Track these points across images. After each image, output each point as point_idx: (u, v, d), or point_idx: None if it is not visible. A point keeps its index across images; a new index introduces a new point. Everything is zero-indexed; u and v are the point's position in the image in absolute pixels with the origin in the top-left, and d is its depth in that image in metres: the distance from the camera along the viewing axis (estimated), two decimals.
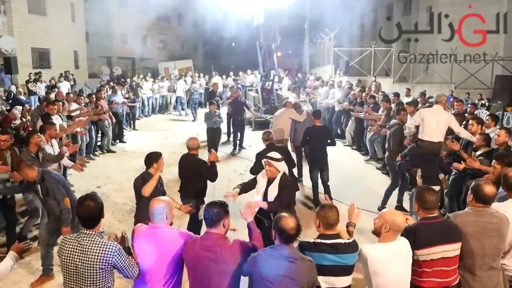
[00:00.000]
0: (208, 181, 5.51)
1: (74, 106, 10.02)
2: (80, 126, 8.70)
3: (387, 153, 7.85)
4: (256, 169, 5.85)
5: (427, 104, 9.87)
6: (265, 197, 4.51)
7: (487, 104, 15.29)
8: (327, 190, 7.41)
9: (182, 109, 19.47)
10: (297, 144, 8.77)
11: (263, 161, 4.57)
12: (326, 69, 23.57)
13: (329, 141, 7.49)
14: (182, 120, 17.68)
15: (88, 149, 10.40)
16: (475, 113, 9.67)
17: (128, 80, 19.17)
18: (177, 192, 5.70)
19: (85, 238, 2.91)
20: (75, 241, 2.94)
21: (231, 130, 12.23)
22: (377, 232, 3.14)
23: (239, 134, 11.83)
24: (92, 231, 2.94)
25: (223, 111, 13.04)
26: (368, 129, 10.14)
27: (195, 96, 17.97)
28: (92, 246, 2.87)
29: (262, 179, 4.62)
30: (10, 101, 13.42)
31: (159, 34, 35.76)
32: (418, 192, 3.36)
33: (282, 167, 4.50)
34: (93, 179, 8.99)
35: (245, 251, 3.02)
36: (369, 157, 10.78)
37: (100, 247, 2.87)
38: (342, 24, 22.38)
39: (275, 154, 4.53)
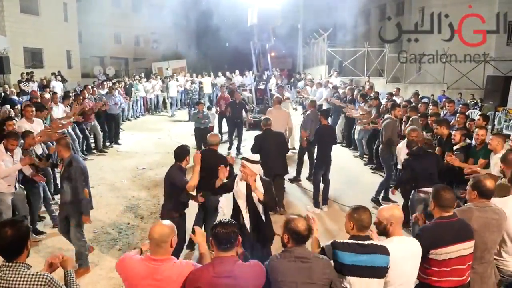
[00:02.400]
0: None
1: (60, 108, 9.82)
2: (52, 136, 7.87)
3: (380, 146, 8.00)
4: (255, 148, 6.80)
5: (420, 104, 9.98)
6: (248, 201, 4.36)
7: (479, 104, 15.43)
8: (327, 188, 7.46)
9: (178, 109, 19.45)
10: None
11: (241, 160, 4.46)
12: (319, 69, 23.66)
13: (334, 140, 7.66)
14: (175, 120, 17.64)
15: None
16: (467, 113, 9.78)
17: (126, 79, 19.10)
18: None
19: (8, 272, 2.44)
20: None
21: (223, 130, 12.15)
22: (385, 232, 3.14)
23: (236, 136, 11.57)
24: (16, 263, 2.47)
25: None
26: (357, 122, 10.52)
27: (194, 96, 17.90)
28: (17, 280, 2.42)
29: (240, 182, 4.43)
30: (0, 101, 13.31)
31: (152, 34, 35.63)
32: (436, 190, 3.36)
33: (257, 169, 4.36)
34: None
35: (265, 273, 2.80)
36: (358, 154, 11.12)
37: (28, 280, 2.43)
38: (335, 25, 22.48)
39: (252, 156, 4.43)
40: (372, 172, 9.78)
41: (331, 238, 5.92)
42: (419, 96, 12.64)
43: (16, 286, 2.42)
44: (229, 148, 11.57)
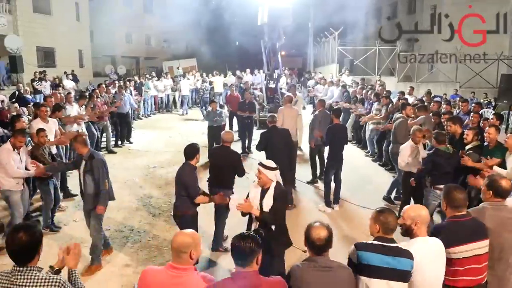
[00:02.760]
0: None
1: (74, 108, 9.77)
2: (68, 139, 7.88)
3: (391, 146, 7.95)
4: (260, 145, 7.06)
5: (432, 104, 9.89)
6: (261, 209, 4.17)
7: (492, 103, 15.25)
8: (339, 188, 7.45)
9: (189, 108, 19.52)
10: (316, 143, 8.43)
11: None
12: (330, 68, 23.57)
13: (345, 139, 7.60)
14: (186, 119, 17.70)
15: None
16: (480, 112, 9.69)
17: (137, 78, 19.25)
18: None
19: (19, 276, 2.38)
20: (7, 280, 2.40)
21: (233, 128, 12.11)
22: (409, 233, 3.08)
23: (247, 136, 11.46)
24: (28, 267, 2.42)
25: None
26: (363, 119, 10.78)
27: (206, 95, 17.94)
28: (29, 285, 2.37)
29: (254, 188, 4.29)
30: (14, 100, 13.50)
31: (163, 33, 35.82)
32: (447, 190, 3.34)
33: (273, 176, 4.16)
34: None
35: None
36: (369, 152, 11.15)
37: (40, 284, 2.38)
38: (346, 23, 22.38)
39: (269, 162, 4.19)
40: (385, 170, 9.77)
41: (343, 238, 5.93)
42: (431, 95, 12.51)
43: None
44: (243, 153, 11.29)
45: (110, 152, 11.25)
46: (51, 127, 7.27)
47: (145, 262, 5.41)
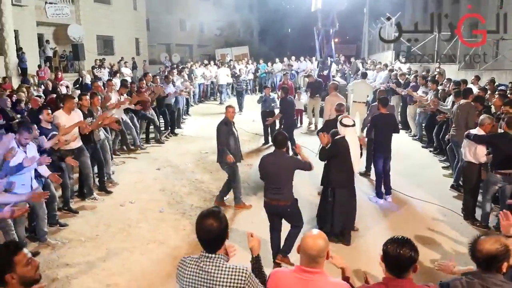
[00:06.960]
0: None
1: (114, 97, 9.43)
2: (100, 125, 7.61)
3: (453, 131, 7.61)
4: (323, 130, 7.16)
5: (496, 93, 9.29)
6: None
7: None
8: (388, 180, 7.22)
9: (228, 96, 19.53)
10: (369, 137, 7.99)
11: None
12: (385, 55, 22.80)
13: (394, 128, 7.29)
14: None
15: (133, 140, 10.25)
16: None
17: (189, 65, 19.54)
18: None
19: (207, 263, 2.42)
20: (195, 265, 2.45)
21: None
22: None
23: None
24: (215, 255, 2.44)
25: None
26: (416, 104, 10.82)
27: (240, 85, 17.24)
28: (217, 273, 2.39)
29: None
30: (77, 86, 14.27)
31: (216, 21, 36.20)
32: None
33: (343, 132, 5.39)
34: (153, 162, 9.34)
35: None
36: (417, 137, 11.23)
37: (228, 273, 2.39)
38: (404, 8, 21.47)
39: (347, 120, 5.49)
40: (434, 155, 9.71)
41: (395, 231, 5.72)
42: (495, 84, 11.73)
43: (217, 278, 2.38)
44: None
45: (158, 142, 11.15)
46: (74, 119, 6.74)
47: (196, 245, 5.52)
